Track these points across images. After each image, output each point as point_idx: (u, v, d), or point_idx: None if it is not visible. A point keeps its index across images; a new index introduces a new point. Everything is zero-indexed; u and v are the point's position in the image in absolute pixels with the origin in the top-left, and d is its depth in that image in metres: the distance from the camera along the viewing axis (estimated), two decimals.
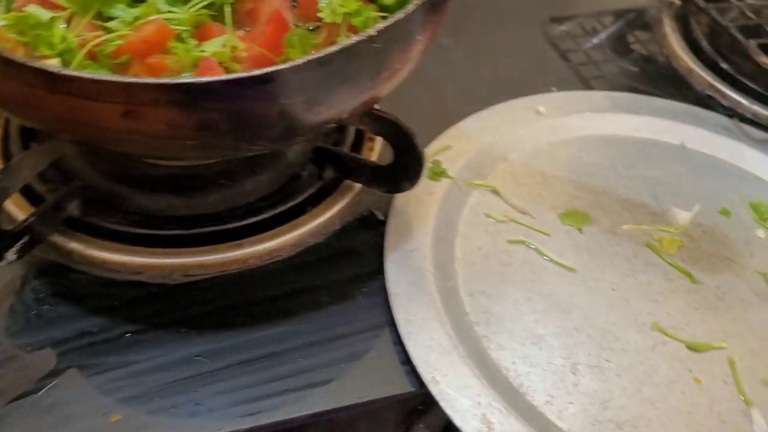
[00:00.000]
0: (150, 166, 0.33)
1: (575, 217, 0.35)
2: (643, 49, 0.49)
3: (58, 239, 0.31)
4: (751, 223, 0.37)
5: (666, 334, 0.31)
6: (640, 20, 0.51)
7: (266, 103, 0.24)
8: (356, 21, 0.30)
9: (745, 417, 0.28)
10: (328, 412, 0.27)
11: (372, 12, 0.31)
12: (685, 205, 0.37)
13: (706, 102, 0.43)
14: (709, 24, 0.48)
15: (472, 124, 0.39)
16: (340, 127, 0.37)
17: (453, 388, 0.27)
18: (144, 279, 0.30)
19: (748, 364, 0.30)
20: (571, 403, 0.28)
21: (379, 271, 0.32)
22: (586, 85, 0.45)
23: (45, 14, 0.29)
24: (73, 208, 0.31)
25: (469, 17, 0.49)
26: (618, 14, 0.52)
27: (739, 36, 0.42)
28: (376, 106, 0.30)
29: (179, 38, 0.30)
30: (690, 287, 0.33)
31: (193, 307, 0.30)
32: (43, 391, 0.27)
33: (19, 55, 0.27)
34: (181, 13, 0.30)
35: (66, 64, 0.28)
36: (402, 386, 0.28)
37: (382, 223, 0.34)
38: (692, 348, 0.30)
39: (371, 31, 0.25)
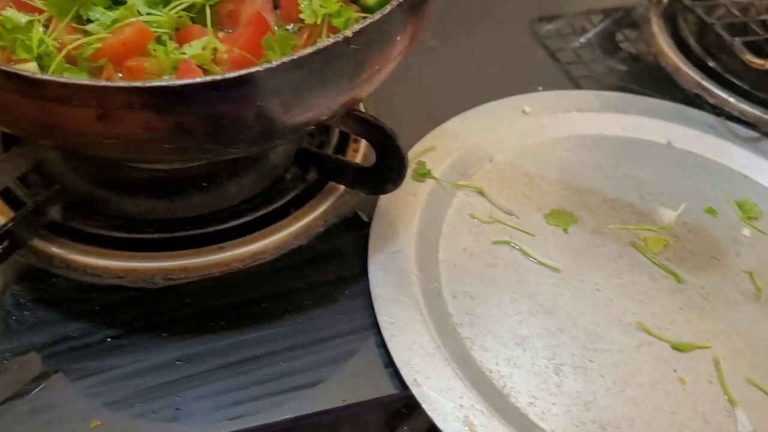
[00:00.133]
0: (131, 169, 0.33)
1: (561, 218, 0.35)
2: (631, 48, 0.49)
3: (39, 244, 0.30)
4: (737, 221, 0.36)
5: (651, 334, 0.30)
6: (628, 19, 0.51)
7: (242, 105, 0.24)
8: (336, 22, 0.30)
9: (730, 417, 0.28)
10: (310, 415, 0.27)
11: (353, 13, 0.31)
12: (672, 205, 0.36)
13: (694, 100, 0.43)
14: (697, 22, 0.48)
15: (457, 125, 0.39)
16: (324, 129, 0.37)
17: (435, 390, 0.27)
18: (125, 283, 0.30)
19: (733, 363, 0.30)
20: (554, 404, 0.28)
21: (362, 273, 0.32)
22: (575, 84, 0.45)
23: (22, 17, 0.28)
24: (54, 213, 0.31)
25: (457, 17, 0.49)
26: (606, 13, 0.52)
27: (725, 34, 0.42)
28: (362, 107, 0.30)
29: (159, 41, 0.29)
30: (675, 287, 0.33)
31: (174, 310, 0.30)
32: (23, 397, 0.27)
33: None
34: (161, 15, 0.30)
35: (44, 67, 0.28)
36: (385, 389, 0.28)
37: (366, 225, 0.33)
38: (677, 348, 0.30)
39: (347, 33, 0.25)
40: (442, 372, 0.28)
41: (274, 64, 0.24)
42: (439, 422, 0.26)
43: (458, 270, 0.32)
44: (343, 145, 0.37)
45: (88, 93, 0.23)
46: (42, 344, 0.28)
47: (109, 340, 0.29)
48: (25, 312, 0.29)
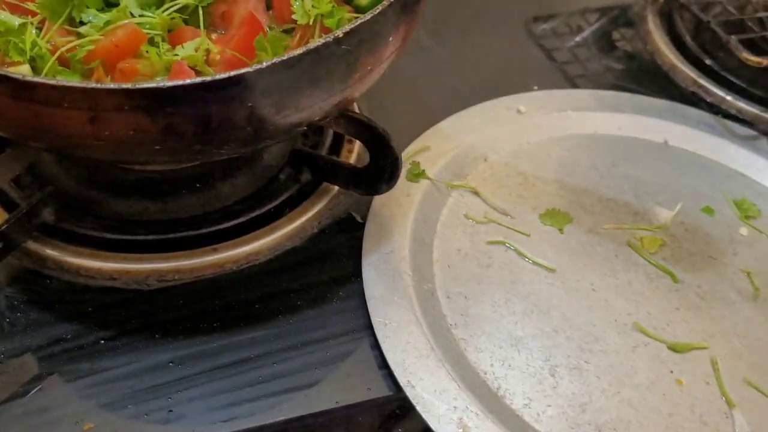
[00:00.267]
0: (124, 170, 0.33)
1: (556, 217, 0.35)
2: (627, 46, 0.49)
3: (33, 246, 0.31)
4: (734, 220, 0.36)
5: (647, 335, 0.30)
6: (624, 17, 0.51)
7: (233, 106, 0.24)
8: (329, 22, 0.30)
9: (727, 418, 0.28)
10: (304, 417, 0.27)
11: (345, 13, 0.31)
12: (668, 204, 0.36)
13: (691, 99, 0.43)
14: (693, 20, 0.47)
15: (451, 125, 0.39)
16: (318, 130, 0.37)
17: (429, 392, 0.27)
18: (119, 285, 0.30)
19: (731, 364, 0.30)
20: (549, 405, 0.28)
21: (356, 274, 0.31)
22: (571, 83, 0.45)
23: (15, 20, 0.29)
24: (48, 214, 0.31)
25: (452, 17, 0.49)
26: (602, 11, 0.51)
27: (721, 32, 0.42)
28: (356, 107, 0.30)
29: (152, 42, 0.29)
30: (672, 287, 0.32)
31: (167, 312, 0.30)
32: (17, 399, 0.27)
33: None
34: (154, 17, 0.30)
35: (37, 70, 0.28)
36: (379, 391, 0.28)
37: (361, 226, 0.33)
38: (673, 348, 0.30)
39: (338, 33, 0.25)
40: (436, 373, 0.27)
41: (265, 64, 0.24)
42: (433, 424, 0.26)
43: (452, 270, 0.32)
44: (337, 146, 0.37)
45: (78, 95, 0.23)
46: (35, 346, 0.28)
47: (102, 341, 0.29)
48: (19, 314, 0.29)
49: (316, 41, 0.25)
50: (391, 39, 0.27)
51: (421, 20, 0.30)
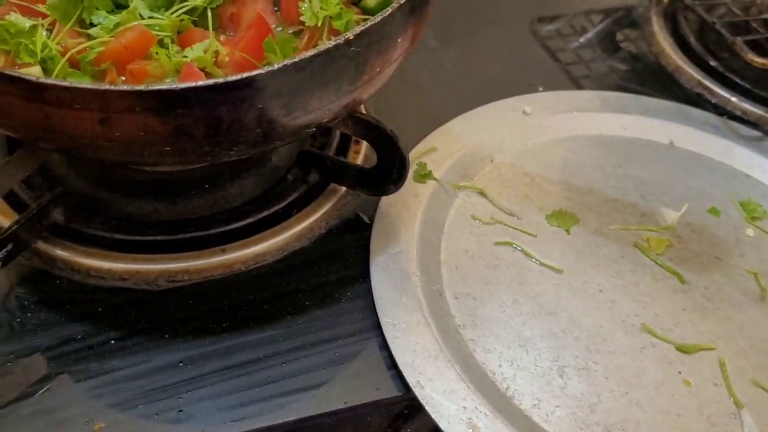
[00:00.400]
0: (133, 171, 0.33)
1: (562, 218, 0.35)
2: (631, 47, 0.49)
3: (43, 246, 0.31)
4: (740, 221, 0.36)
5: (654, 336, 0.30)
6: (628, 18, 0.51)
7: (243, 108, 0.24)
8: (337, 24, 0.30)
9: (736, 419, 0.28)
10: (313, 417, 0.27)
11: (353, 15, 0.31)
12: (674, 205, 0.36)
13: (695, 100, 0.43)
14: (698, 21, 0.48)
15: (458, 126, 0.39)
16: (326, 131, 0.37)
17: (438, 392, 0.27)
18: (129, 285, 0.30)
19: (738, 364, 0.30)
20: (558, 406, 0.28)
21: (364, 275, 0.32)
22: (575, 84, 0.45)
23: (26, 22, 0.29)
24: (57, 215, 0.31)
25: (457, 18, 0.49)
26: (606, 12, 0.52)
27: (727, 33, 0.42)
28: (363, 109, 0.30)
29: (161, 44, 0.30)
30: (679, 287, 0.33)
31: (177, 312, 0.30)
32: (27, 399, 0.27)
33: (1, 63, 0.27)
34: (163, 18, 0.30)
35: (48, 71, 0.28)
36: (388, 391, 0.28)
37: (368, 226, 0.33)
38: (681, 349, 0.30)
39: (348, 35, 0.25)
40: (445, 374, 0.27)
41: (276, 66, 0.24)
42: (442, 425, 0.26)
43: (460, 271, 0.32)
44: (344, 147, 0.37)
45: (91, 97, 0.23)
46: (46, 346, 0.28)
47: (112, 341, 0.29)
48: (29, 314, 0.30)
49: (327, 43, 0.25)
50: (400, 40, 0.28)
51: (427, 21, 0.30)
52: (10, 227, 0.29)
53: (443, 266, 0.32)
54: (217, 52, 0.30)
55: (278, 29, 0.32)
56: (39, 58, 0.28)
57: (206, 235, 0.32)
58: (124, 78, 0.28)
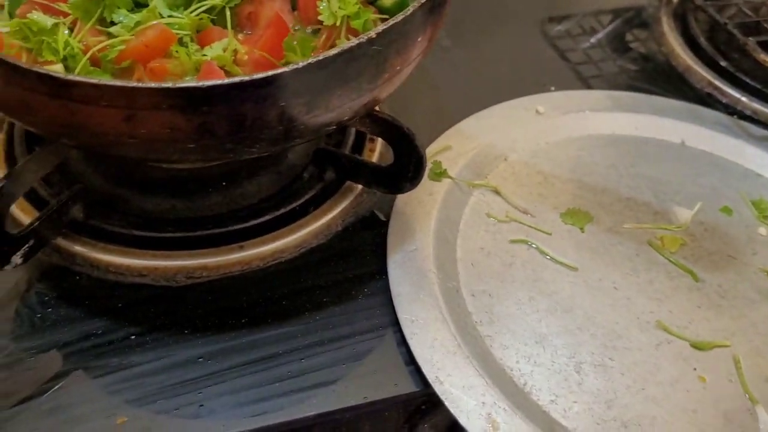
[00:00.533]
0: (151, 168, 0.33)
1: (576, 216, 0.35)
2: (641, 48, 0.49)
3: (62, 242, 0.31)
4: (752, 220, 0.36)
5: (670, 333, 0.31)
6: (638, 18, 0.51)
7: (266, 106, 0.24)
8: (355, 23, 0.31)
9: (751, 415, 0.28)
10: (333, 412, 0.27)
11: (371, 14, 0.31)
12: (687, 204, 0.36)
13: (706, 100, 0.43)
14: (708, 21, 0.48)
15: (471, 125, 0.39)
16: (341, 129, 0.37)
17: (457, 387, 0.27)
18: (148, 281, 0.31)
19: (753, 361, 0.30)
20: (575, 402, 0.28)
21: (380, 272, 0.32)
22: (585, 84, 0.45)
23: (48, 20, 0.29)
24: (77, 211, 0.32)
25: (468, 18, 0.49)
26: (616, 13, 0.52)
27: (738, 34, 0.42)
28: (377, 108, 0.30)
29: (181, 42, 0.30)
30: (693, 285, 0.33)
31: (196, 308, 0.30)
32: (47, 393, 0.27)
33: (23, 61, 0.27)
34: (182, 17, 0.30)
35: (69, 69, 0.29)
36: (406, 386, 0.28)
37: (384, 224, 0.34)
38: (696, 346, 0.30)
39: (371, 34, 0.25)
40: (463, 370, 0.28)
41: (301, 64, 0.24)
42: (462, 420, 0.26)
43: (476, 269, 0.32)
44: (359, 145, 0.37)
45: (118, 94, 0.23)
46: (66, 341, 0.29)
47: (132, 337, 0.29)
48: (49, 310, 0.30)
49: (349, 41, 0.25)
50: (419, 40, 0.28)
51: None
52: (30, 224, 0.29)
53: (459, 263, 0.32)
54: (235, 51, 0.30)
55: (295, 28, 0.32)
56: (61, 56, 0.29)
57: (224, 232, 0.32)
58: (144, 76, 0.29)
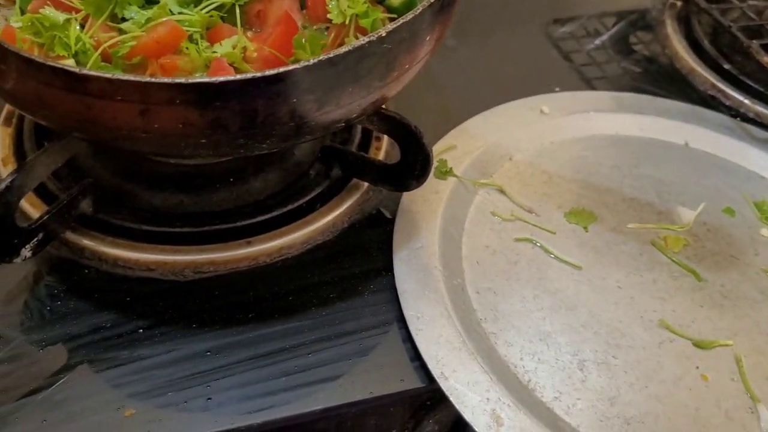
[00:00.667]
0: (159, 164, 0.33)
1: (581, 216, 0.36)
2: (645, 50, 0.49)
3: (71, 236, 0.31)
4: (755, 221, 0.37)
5: (672, 332, 0.31)
6: (642, 21, 0.52)
7: (278, 102, 0.25)
8: (364, 22, 0.31)
9: (753, 413, 0.28)
10: (339, 407, 0.27)
11: (380, 13, 0.31)
12: (690, 204, 0.37)
13: (710, 102, 0.44)
14: (711, 24, 0.48)
15: (476, 124, 0.39)
16: (348, 127, 0.37)
17: (462, 383, 0.27)
18: (156, 276, 0.31)
19: (755, 361, 0.30)
20: (579, 399, 0.28)
21: (386, 269, 0.32)
22: (589, 85, 0.45)
23: (60, 16, 0.29)
24: (86, 206, 0.32)
25: (473, 18, 0.49)
26: (620, 15, 0.52)
27: (742, 37, 0.43)
28: (384, 106, 0.30)
29: (191, 39, 0.30)
30: (695, 285, 0.33)
31: (204, 303, 0.31)
32: (56, 385, 0.27)
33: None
34: (193, 14, 0.30)
35: (80, 64, 0.29)
36: (412, 382, 0.28)
37: (390, 222, 0.34)
38: (699, 345, 0.30)
39: (381, 32, 0.26)
40: (468, 366, 0.28)
41: (313, 61, 0.24)
42: (467, 415, 0.26)
43: (481, 266, 0.33)
44: (365, 143, 0.37)
45: (132, 89, 0.23)
46: (75, 334, 0.29)
47: (140, 330, 0.29)
48: (58, 302, 0.30)
49: (360, 39, 0.25)
50: (428, 39, 0.28)
51: None
52: (40, 217, 0.29)
53: (464, 261, 0.33)
54: (245, 48, 0.30)
55: (303, 27, 0.32)
56: (73, 52, 0.29)
57: (231, 228, 0.32)
58: (154, 72, 0.29)
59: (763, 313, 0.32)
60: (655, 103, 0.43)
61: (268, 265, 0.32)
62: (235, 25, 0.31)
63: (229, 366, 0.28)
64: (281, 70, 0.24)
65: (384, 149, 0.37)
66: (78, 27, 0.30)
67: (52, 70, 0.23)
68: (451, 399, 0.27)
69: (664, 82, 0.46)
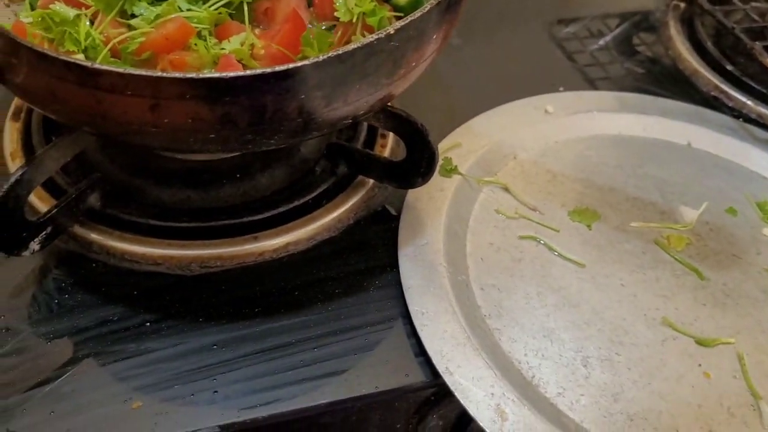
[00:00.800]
0: (167, 159, 0.34)
1: (584, 214, 0.36)
2: (648, 51, 0.50)
3: (79, 230, 0.31)
4: (757, 221, 0.37)
5: (675, 329, 0.31)
6: (645, 22, 0.52)
7: (287, 98, 0.25)
8: (371, 20, 0.31)
9: (754, 410, 0.29)
10: (344, 401, 0.27)
11: (386, 12, 0.32)
12: (693, 204, 0.37)
13: (712, 103, 0.44)
14: (715, 26, 0.48)
15: (481, 123, 0.40)
16: (353, 124, 0.38)
17: (467, 378, 0.28)
18: (162, 270, 0.31)
19: (757, 358, 0.30)
20: (582, 395, 0.28)
21: (391, 265, 0.32)
22: (592, 85, 0.46)
23: (71, 11, 0.30)
24: (94, 200, 0.32)
25: (478, 18, 0.50)
26: (623, 16, 0.52)
27: (745, 38, 0.43)
28: (390, 104, 0.31)
29: (199, 36, 0.30)
30: (698, 284, 0.33)
31: (210, 297, 0.31)
32: (64, 377, 0.27)
33: None
34: (201, 11, 0.31)
35: (90, 60, 0.29)
36: (416, 377, 0.28)
37: (395, 218, 0.34)
38: (701, 343, 0.31)
39: (389, 30, 0.26)
40: (472, 361, 0.28)
41: (322, 58, 0.24)
42: (471, 410, 0.27)
43: (485, 263, 0.33)
44: (370, 141, 0.38)
45: (144, 83, 0.24)
46: (82, 327, 0.29)
47: (147, 324, 0.29)
48: (66, 295, 0.30)
49: (369, 37, 0.26)
50: (434, 37, 0.28)
51: None
52: (48, 211, 0.30)
53: (469, 258, 0.33)
54: (252, 45, 0.31)
55: (310, 25, 0.33)
56: (83, 47, 0.29)
57: (238, 223, 0.33)
58: (162, 68, 0.29)
59: (765, 312, 0.33)
60: (659, 104, 0.43)
61: (275, 261, 0.32)
62: (243, 22, 0.31)
63: (235, 359, 0.28)
64: (291, 66, 0.24)
65: (389, 147, 0.37)
66: (88, 23, 0.30)
67: (65, 64, 0.24)
68: (455, 394, 0.27)
69: (667, 83, 0.46)
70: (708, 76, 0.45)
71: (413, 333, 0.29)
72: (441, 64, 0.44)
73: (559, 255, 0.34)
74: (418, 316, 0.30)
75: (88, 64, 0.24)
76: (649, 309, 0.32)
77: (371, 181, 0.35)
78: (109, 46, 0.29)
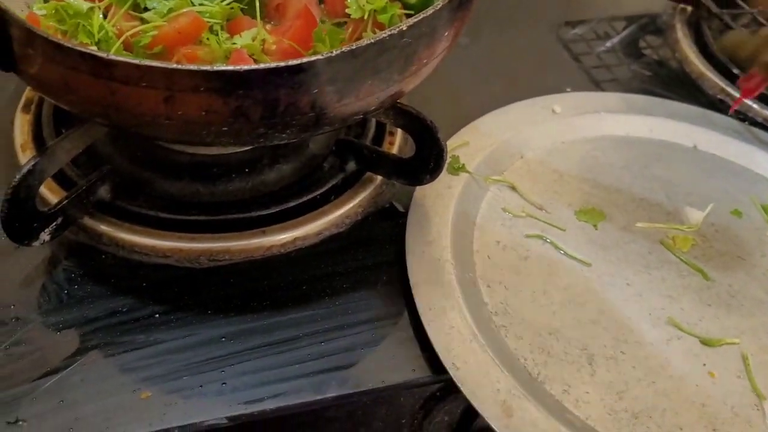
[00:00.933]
0: (177, 153, 0.34)
1: (590, 214, 0.36)
2: (655, 54, 0.50)
3: (89, 222, 0.32)
4: (762, 223, 0.37)
5: (680, 329, 0.31)
6: (652, 25, 0.52)
7: (300, 92, 0.25)
8: (382, 17, 0.31)
9: (758, 410, 0.29)
10: (350, 395, 0.28)
11: (397, 9, 0.32)
12: (698, 205, 0.37)
13: (718, 106, 0.44)
14: (721, 29, 0.49)
15: (489, 122, 0.40)
16: (362, 121, 0.38)
17: (473, 374, 0.28)
18: (171, 262, 0.31)
19: (761, 359, 0.31)
20: (587, 392, 0.28)
21: (398, 261, 0.32)
22: (599, 87, 0.46)
23: (84, 4, 0.30)
24: (104, 192, 0.32)
25: (486, 18, 0.50)
26: (630, 19, 0.53)
27: None
28: (399, 101, 0.31)
29: (211, 30, 0.31)
30: (703, 284, 0.33)
31: (219, 290, 0.31)
32: (73, 366, 0.27)
33: None
34: (213, 6, 0.31)
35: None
36: (422, 372, 0.29)
37: (403, 215, 0.34)
38: (706, 343, 0.31)
39: (402, 26, 0.26)
40: (479, 357, 0.28)
41: (335, 53, 0.25)
42: (477, 406, 0.27)
43: (492, 261, 0.33)
44: (379, 137, 0.38)
45: (158, 75, 0.24)
46: (92, 317, 0.29)
47: (156, 315, 0.30)
48: (76, 286, 0.30)
49: (381, 33, 0.26)
50: (446, 34, 0.29)
51: None
52: (59, 202, 0.30)
53: (476, 255, 0.33)
54: (264, 40, 0.31)
55: (321, 22, 0.33)
56: (96, 40, 0.29)
57: (247, 218, 0.33)
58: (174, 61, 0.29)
59: None
60: (665, 106, 0.43)
61: (283, 255, 0.32)
62: (254, 17, 0.32)
63: (243, 352, 0.29)
64: (305, 60, 0.24)
65: (397, 144, 0.37)
66: (101, 15, 0.30)
67: (80, 55, 0.24)
68: (462, 389, 0.27)
69: (674, 85, 0.46)
70: (714, 79, 0.45)
71: (420, 328, 0.30)
72: (449, 63, 0.44)
73: (566, 254, 0.34)
74: (425, 312, 0.30)
75: (104, 54, 0.24)
76: (654, 309, 0.32)
77: (379, 177, 0.35)
78: (122, 39, 0.30)
